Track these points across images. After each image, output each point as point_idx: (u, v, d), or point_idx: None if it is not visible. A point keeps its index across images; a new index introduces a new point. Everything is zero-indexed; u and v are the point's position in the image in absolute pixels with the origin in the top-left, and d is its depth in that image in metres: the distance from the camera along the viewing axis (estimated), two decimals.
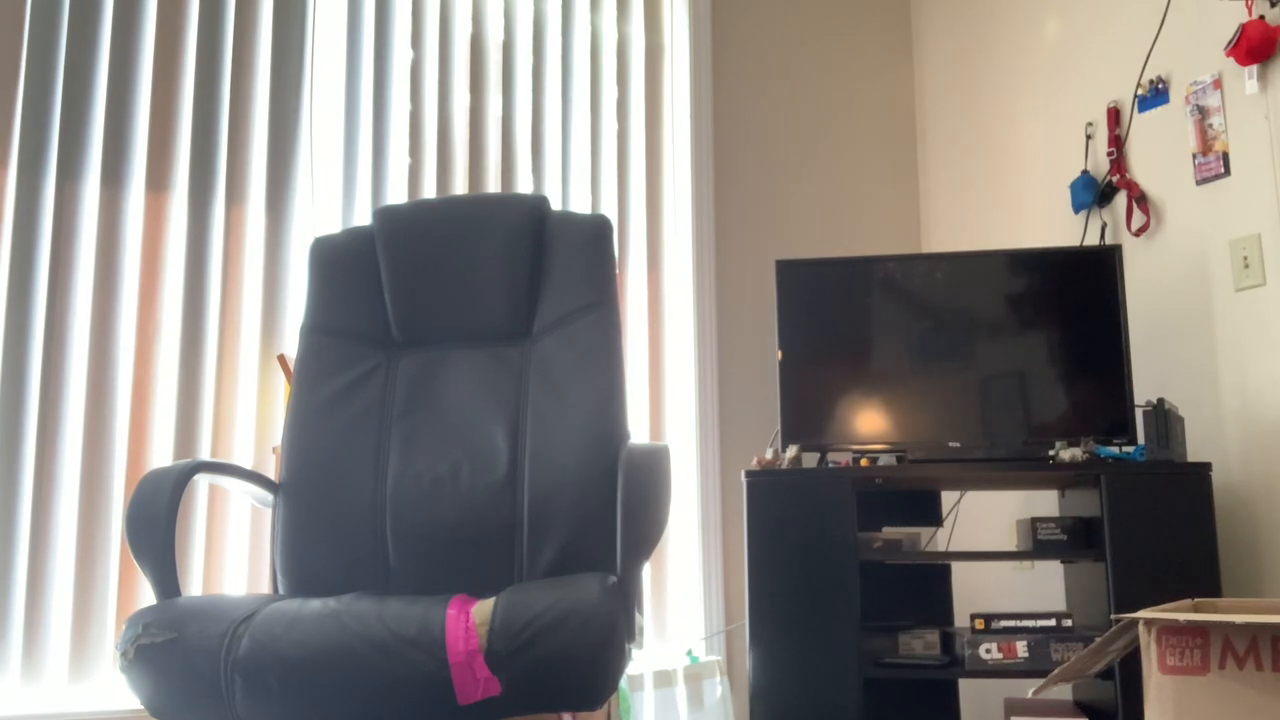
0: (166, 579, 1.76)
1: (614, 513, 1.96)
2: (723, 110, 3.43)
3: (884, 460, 2.69)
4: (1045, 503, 3.11)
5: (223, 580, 2.49)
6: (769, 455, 2.63)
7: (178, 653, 1.57)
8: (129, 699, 2.34)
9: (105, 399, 2.41)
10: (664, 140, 3.35)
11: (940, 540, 3.31)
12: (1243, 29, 2.51)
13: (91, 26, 2.48)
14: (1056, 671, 1.80)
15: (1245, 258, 2.57)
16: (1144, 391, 2.83)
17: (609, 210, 3.17)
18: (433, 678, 1.52)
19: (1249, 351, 2.56)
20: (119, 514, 2.40)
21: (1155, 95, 2.85)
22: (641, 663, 2.93)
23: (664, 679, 2.92)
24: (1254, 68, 2.54)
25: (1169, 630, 1.56)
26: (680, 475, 3.19)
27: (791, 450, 2.62)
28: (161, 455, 2.46)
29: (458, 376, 2.16)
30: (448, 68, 2.97)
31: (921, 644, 2.51)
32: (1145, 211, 2.85)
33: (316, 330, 2.19)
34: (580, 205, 3.11)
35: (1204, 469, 2.40)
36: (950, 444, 2.64)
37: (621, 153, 3.25)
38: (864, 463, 2.65)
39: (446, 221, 2.25)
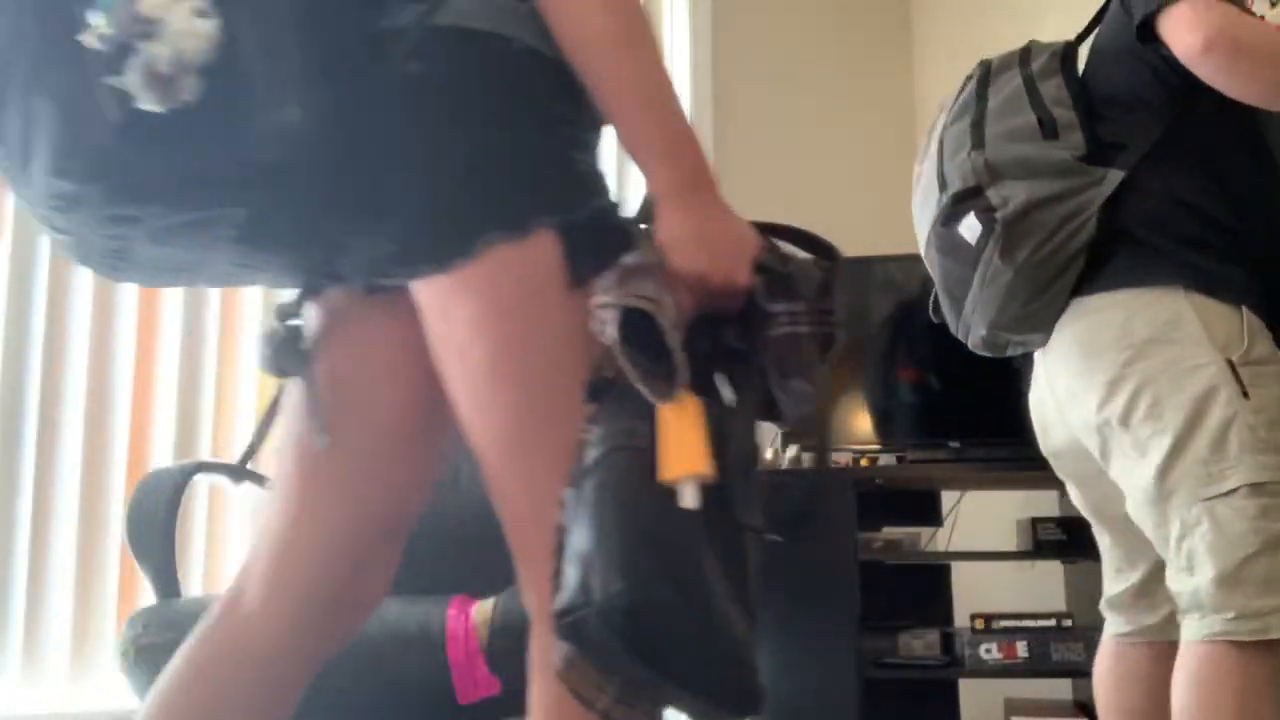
0: (166, 579, 1.76)
1: None
2: (722, 110, 3.42)
3: (884, 460, 2.69)
4: (1045, 503, 3.10)
5: (223, 580, 2.49)
6: (769, 455, 2.62)
7: None
8: (129, 699, 2.33)
9: (105, 399, 2.41)
10: None
11: (940, 540, 3.31)
12: None
13: None
14: None
15: None
16: None
17: None
18: (433, 678, 1.52)
19: None
20: (119, 514, 2.39)
21: None
22: None
23: None
24: None
25: None
26: None
27: (791, 450, 2.62)
28: (161, 455, 2.46)
29: None
30: None
31: (921, 644, 2.51)
32: None
33: None
34: None
35: None
36: (950, 444, 2.63)
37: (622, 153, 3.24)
38: (864, 462, 2.64)
39: None
